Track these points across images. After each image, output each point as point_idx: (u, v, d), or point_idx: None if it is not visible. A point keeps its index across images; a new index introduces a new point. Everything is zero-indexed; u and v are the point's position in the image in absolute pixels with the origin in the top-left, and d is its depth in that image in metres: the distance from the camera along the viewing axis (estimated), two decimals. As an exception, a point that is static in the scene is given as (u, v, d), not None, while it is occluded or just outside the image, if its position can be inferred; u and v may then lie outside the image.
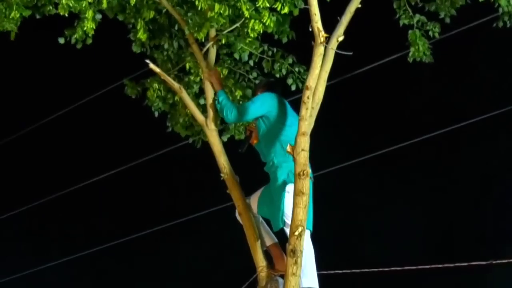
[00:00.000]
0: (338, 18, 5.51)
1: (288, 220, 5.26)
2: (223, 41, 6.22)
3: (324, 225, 5.80)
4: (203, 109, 6.23)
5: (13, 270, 16.31)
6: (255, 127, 5.98)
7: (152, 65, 5.99)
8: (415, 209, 12.51)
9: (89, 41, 6.09)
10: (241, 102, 6.40)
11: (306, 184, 5.12)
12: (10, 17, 5.78)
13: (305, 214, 5.13)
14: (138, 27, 6.25)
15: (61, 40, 6.10)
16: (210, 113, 6.06)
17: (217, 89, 5.99)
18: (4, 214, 15.30)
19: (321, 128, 5.52)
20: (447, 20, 6.53)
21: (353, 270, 6.39)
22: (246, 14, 5.77)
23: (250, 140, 6.02)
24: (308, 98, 5.19)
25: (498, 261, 6.59)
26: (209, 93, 6.12)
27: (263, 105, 5.75)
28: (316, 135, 5.35)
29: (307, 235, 5.41)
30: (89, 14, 5.87)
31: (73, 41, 6.07)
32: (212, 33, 6.14)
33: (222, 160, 6.00)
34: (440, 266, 6.95)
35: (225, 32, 6.09)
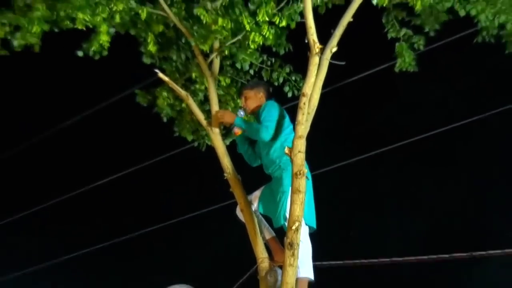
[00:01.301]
0: (332, 30, 5.44)
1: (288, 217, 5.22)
2: (226, 52, 6.23)
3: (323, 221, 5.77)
4: (208, 115, 6.19)
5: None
6: (241, 116, 5.96)
7: (161, 75, 5.97)
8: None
9: (105, 53, 6.04)
10: None
11: (303, 183, 5.08)
12: (32, 31, 5.75)
13: (302, 210, 5.09)
14: (148, 40, 6.21)
15: (80, 53, 6.04)
16: (214, 118, 6.04)
17: (232, 120, 5.88)
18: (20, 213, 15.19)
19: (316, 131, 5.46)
20: (432, 33, 6.50)
21: (345, 262, 6.34)
22: (247, 27, 5.81)
23: (235, 130, 5.94)
24: (304, 104, 5.17)
25: (478, 253, 6.55)
26: (213, 100, 6.10)
27: (277, 112, 5.71)
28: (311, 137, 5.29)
29: (305, 230, 5.40)
30: (104, 28, 5.84)
31: (90, 53, 6.02)
32: (216, 45, 6.13)
33: (226, 161, 5.96)
34: (425, 257, 6.88)
35: (228, 44, 6.08)
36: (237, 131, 5.90)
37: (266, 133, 5.56)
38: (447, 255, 6.75)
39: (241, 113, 5.95)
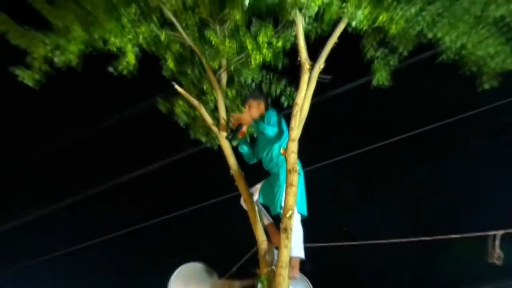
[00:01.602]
0: (320, 50, 5.59)
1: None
2: (232, 69, 6.35)
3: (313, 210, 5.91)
4: (217, 121, 6.29)
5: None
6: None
7: (178, 87, 6.13)
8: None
9: (131, 68, 6.10)
10: None
11: (295, 178, 5.28)
12: (70, 50, 5.87)
13: (294, 201, 5.28)
14: (168, 58, 6.31)
15: (111, 69, 6.11)
16: (222, 123, 6.17)
17: (248, 121, 6.00)
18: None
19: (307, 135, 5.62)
20: (405, 53, 6.43)
21: (330, 243, 6.50)
22: (250, 48, 5.94)
23: (238, 134, 6.02)
24: (297, 112, 5.36)
25: (457, 235, 6.62)
26: (222, 108, 6.22)
27: (276, 118, 5.90)
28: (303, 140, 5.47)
29: (297, 217, 5.54)
30: (130, 48, 5.97)
31: (120, 70, 6.10)
32: (224, 62, 6.24)
33: (231, 160, 6.08)
34: (405, 240, 6.94)
35: (233, 61, 6.21)
36: (241, 134, 6.06)
37: (271, 130, 5.74)
38: (429, 238, 6.82)
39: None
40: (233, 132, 6.02)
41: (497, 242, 5.88)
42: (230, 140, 6.06)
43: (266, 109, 6.14)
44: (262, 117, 6.05)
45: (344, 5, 4.74)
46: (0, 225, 15.65)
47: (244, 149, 6.25)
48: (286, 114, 5.94)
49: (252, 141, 6.47)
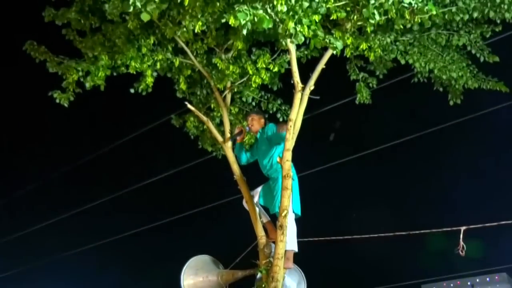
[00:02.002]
0: (310, 74, 5.61)
1: None
2: (235, 89, 6.39)
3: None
4: (222, 133, 6.28)
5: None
6: (245, 130, 6.05)
7: (189, 105, 6.10)
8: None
9: (150, 90, 6.16)
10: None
11: (290, 183, 5.30)
12: (99, 75, 5.92)
13: (289, 202, 5.29)
14: (180, 80, 6.35)
15: (132, 90, 6.18)
16: (227, 135, 6.17)
17: (256, 131, 6.01)
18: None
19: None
20: (381, 76, 6.56)
21: (320, 238, 6.48)
22: (250, 72, 5.97)
23: (237, 138, 6.00)
24: (290, 126, 5.38)
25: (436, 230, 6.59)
26: (226, 123, 6.22)
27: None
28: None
29: (291, 216, 5.51)
30: (148, 72, 6.00)
31: (139, 90, 6.16)
32: (228, 84, 6.26)
33: (235, 167, 6.08)
34: (391, 234, 6.86)
35: (236, 83, 6.25)
36: (239, 139, 6.04)
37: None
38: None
39: (247, 128, 6.08)
40: (234, 136, 6.04)
41: (461, 236, 5.88)
42: (232, 141, 6.04)
43: (265, 123, 6.12)
44: (262, 129, 6.04)
45: (327, 36, 4.79)
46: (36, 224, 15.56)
47: (238, 151, 6.20)
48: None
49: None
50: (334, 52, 5.20)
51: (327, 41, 4.77)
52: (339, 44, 4.90)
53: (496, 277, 35.02)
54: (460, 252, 5.77)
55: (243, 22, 4.25)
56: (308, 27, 4.53)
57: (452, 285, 36.40)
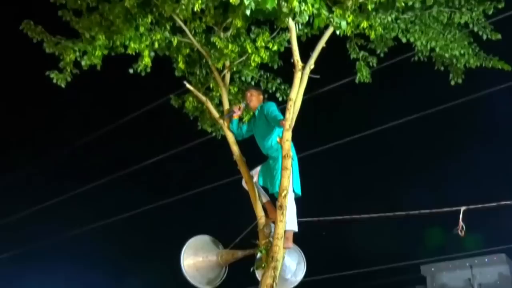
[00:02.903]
0: (310, 53, 5.59)
1: None
2: (234, 69, 6.34)
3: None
4: (222, 113, 6.28)
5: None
6: (242, 106, 6.05)
7: (188, 85, 6.15)
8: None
9: (148, 70, 6.10)
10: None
11: (289, 163, 5.32)
12: (96, 55, 5.88)
13: (289, 182, 5.31)
14: (179, 60, 6.31)
15: (131, 70, 6.12)
16: (226, 112, 6.15)
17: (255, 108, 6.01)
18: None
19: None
20: (382, 54, 6.52)
21: (320, 218, 6.51)
22: (249, 50, 5.92)
23: (234, 114, 6.01)
24: (290, 106, 5.37)
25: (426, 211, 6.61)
26: (225, 103, 6.22)
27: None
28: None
29: (291, 195, 5.52)
30: (147, 52, 5.94)
31: (138, 71, 6.10)
32: (227, 63, 6.23)
33: (235, 147, 6.09)
34: (391, 214, 6.90)
35: (235, 63, 6.21)
36: (235, 115, 6.04)
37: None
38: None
39: (243, 104, 6.10)
40: (230, 113, 6.03)
41: (461, 216, 5.92)
42: (228, 117, 6.04)
43: (264, 100, 6.11)
44: (260, 105, 6.02)
45: (330, 15, 4.73)
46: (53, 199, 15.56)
47: (234, 126, 6.16)
48: (281, 108, 5.91)
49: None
50: (338, 32, 5.16)
51: (331, 20, 4.73)
52: (343, 24, 4.87)
53: (495, 258, 35.31)
54: (460, 233, 5.80)
55: (247, 2, 4.22)
56: (312, 5, 4.49)
57: (450, 266, 36.73)
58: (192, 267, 5.92)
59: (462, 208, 5.90)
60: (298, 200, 5.73)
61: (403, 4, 5.43)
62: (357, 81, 6.40)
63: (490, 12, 6.05)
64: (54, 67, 6.06)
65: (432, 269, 37.85)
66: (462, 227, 5.87)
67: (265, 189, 6.01)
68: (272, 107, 5.84)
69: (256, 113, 6.05)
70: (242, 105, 6.09)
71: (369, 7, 5.06)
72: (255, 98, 6.06)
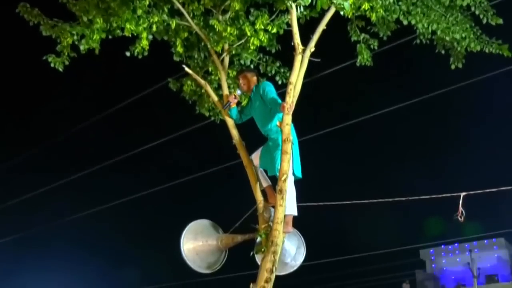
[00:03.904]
0: (310, 36, 5.55)
1: None
2: (233, 52, 6.28)
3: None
4: (221, 97, 6.25)
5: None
6: (237, 94, 6.00)
7: (187, 69, 6.09)
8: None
9: (146, 53, 6.07)
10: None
11: (289, 147, 5.30)
12: (93, 38, 5.83)
13: (289, 166, 5.29)
14: (177, 43, 6.25)
15: (127, 53, 6.08)
16: (225, 99, 6.10)
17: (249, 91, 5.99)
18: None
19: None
20: (384, 38, 6.47)
21: (319, 203, 6.53)
22: (248, 33, 5.87)
23: (231, 103, 5.97)
24: (290, 90, 5.34)
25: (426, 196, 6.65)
26: (224, 87, 6.17)
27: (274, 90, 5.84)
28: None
29: (291, 179, 5.50)
30: (144, 35, 5.89)
31: (135, 53, 6.05)
32: (226, 47, 6.17)
33: (234, 131, 6.05)
34: (390, 200, 6.93)
35: (234, 46, 6.15)
36: (233, 104, 5.99)
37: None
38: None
39: (238, 92, 6.05)
40: (227, 104, 5.99)
41: (461, 202, 5.95)
42: (227, 108, 6.00)
43: (258, 80, 6.07)
44: (255, 86, 5.98)
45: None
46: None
47: (233, 113, 6.11)
48: (281, 92, 5.85)
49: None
50: (342, 13, 5.11)
51: (334, 0, 4.69)
52: (346, 5, 4.83)
53: (494, 242, 35.48)
54: (459, 218, 5.82)
55: None
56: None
57: (450, 250, 36.92)
58: (192, 251, 5.92)
59: (462, 194, 5.91)
60: (298, 184, 5.69)
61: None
62: (358, 64, 6.35)
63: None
64: (50, 51, 6.00)
65: (431, 253, 38.06)
66: (462, 212, 5.89)
67: (265, 172, 5.97)
68: (268, 87, 5.80)
69: (252, 95, 6.01)
70: (237, 93, 6.04)
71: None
72: (248, 81, 6.01)
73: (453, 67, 6.60)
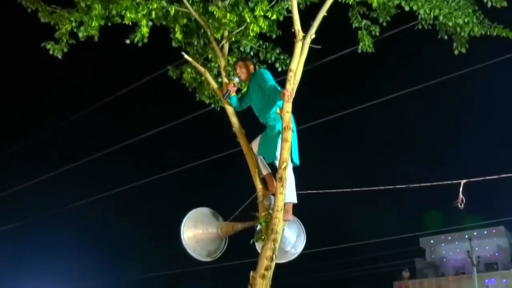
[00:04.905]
0: (311, 22, 5.49)
1: (278, 156, 5.34)
2: (233, 39, 6.24)
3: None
4: (220, 85, 6.22)
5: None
6: (235, 82, 5.97)
7: (186, 56, 6.04)
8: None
9: (145, 40, 6.02)
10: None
11: (289, 135, 5.24)
12: (92, 25, 5.79)
13: (289, 154, 5.26)
14: (176, 30, 6.21)
15: (127, 41, 6.02)
16: (225, 88, 6.08)
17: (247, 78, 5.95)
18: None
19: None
20: (384, 23, 6.41)
21: (318, 191, 6.51)
22: (248, 20, 5.84)
23: (230, 93, 5.95)
24: (291, 77, 5.28)
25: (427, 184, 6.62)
26: (224, 74, 6.14)
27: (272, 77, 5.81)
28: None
29: (290, 166, 5.46)
30: (143, 22, 5.85)
31: (134, 41, 5.99)
32: (225, 33, 6.14)
33: (234, 119, 6.03)
34: (391, 187, 6.91)
35: (234, 32, 6.11)
36: (232, 93, 5.96)
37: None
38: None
39: (237, 79, 6.01)
40: (227, 93, 5.96)
41: (461, 189, 5.93)
42: (226, 98, 5.98)
43: (255, 68, 6.03)
44: (252, 75, 5.94)
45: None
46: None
47: (233, 102, 6.09)
48: (281, 80, 5.81)
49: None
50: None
51: None
52: None
53: (494, 231, 35.60)
54: (459, 206, 5.80)
55: None
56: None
57: (449, 238, 37.05)
58: (192, 239, 5.90)
59: (463, 181, 5.89)
60: (299, 172, 5.67)
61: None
62: (359, 50, 6.31)
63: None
64: (48, 38, 5.97)
65: (431, 241, 38.20)
66: (462, 200, 5.87)
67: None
68: (265, 75, 5.76)
69: (249, 83, 5.98)
70: (236, 81, 6.00)
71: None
72: (244, 70, 5.97)
73: (456, 52, 6.54)
